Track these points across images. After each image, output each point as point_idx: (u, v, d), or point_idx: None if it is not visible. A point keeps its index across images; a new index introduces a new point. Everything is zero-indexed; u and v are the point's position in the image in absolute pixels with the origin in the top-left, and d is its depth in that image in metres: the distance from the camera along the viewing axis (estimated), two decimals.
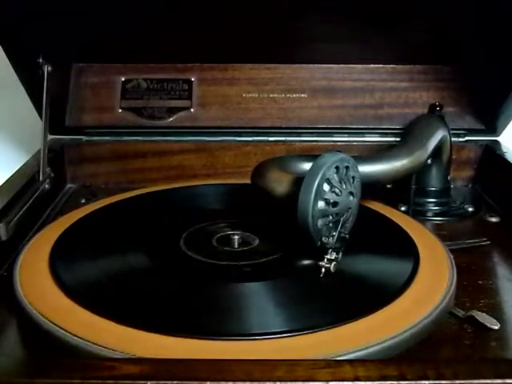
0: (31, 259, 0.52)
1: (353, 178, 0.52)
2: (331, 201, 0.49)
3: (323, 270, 0.48)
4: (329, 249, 0.49)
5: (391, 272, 0.50)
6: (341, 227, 0.50)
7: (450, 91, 0.79)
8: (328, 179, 0.49)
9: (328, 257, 0.49)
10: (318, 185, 0.48)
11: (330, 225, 0.50)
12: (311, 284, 0.48)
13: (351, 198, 0.51)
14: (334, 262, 0.48)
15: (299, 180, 0.49)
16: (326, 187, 0.49)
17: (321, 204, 0.49)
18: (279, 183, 0.54)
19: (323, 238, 0.49)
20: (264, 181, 0.56)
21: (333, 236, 0.49)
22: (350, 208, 0.51)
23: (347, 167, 0.51)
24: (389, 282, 0.48)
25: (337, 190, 0.49)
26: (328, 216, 0.49)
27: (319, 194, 0.48)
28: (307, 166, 0.51)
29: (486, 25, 0.71)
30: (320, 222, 0.49)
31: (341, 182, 0.50)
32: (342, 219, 0.50)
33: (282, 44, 0.76)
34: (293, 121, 0.79)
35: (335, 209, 0.49)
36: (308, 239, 0.49)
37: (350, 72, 0.80)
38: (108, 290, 0.47)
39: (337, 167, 0.49)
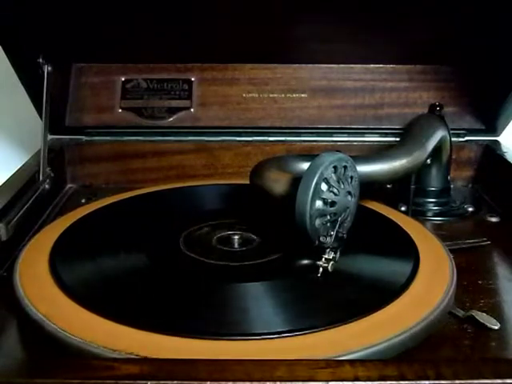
0: (31, 259, 0.52)
1: (351, 177, 0.51)
2: (329, 200, 0.49)
3: (321, 269, 0.48)
4: (327, 248, 0.49)
5: (391, 272, 0.50)
6: (339, 227, 0.50)
7: (450, 91, 0.79)
8: (326, 179, 0.49)
9: (326, 256, 0.49)
10: (316, 184, 0.48)
11: (328, 224, 0.50)
12: (311, 284, 0.48)
13: (349, 197, 0.51)
14: (332, 262, 0.48)
15: (297, 179, 0.49)
16: (323, 187, 0.49)
17: (318, 203, 0.48)
18: (277, 183, 0.54)
19: (321, 238, 0.49)
20: (262, 180, 0.56)
21: (330, 235, 0.49)
22: (348, 208, 0.51)
23: (345, 167, 0.51)
24: (389, 281, 0.48)
25: (335, 190, 0.49)
26: (326, 215, 0.49)
27: (317, 193, 0.48)
28: (305, 165, 0.50)
29: (485, 25, 0.71)
30: (318, 222, 0.49)
31: (339, 182, 0.50)
32: (339, 219, 0.50)
33: (281, 44, 0.76)
34: (293, 121, 0.80)
35: (333, 208, 0.49)
36: (306, 239, 0.49)
37: (349, 72, 0.80)
38: (108, 290, 0.47)
39: (335, 167, 0.49)
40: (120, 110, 0.79)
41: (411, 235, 0.56)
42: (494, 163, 0.74)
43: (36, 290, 0.46)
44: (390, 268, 0.51)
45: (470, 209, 0.69)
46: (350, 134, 0.79)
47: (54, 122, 0.73)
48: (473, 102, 0.79)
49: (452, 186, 0.71)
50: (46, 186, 0.67)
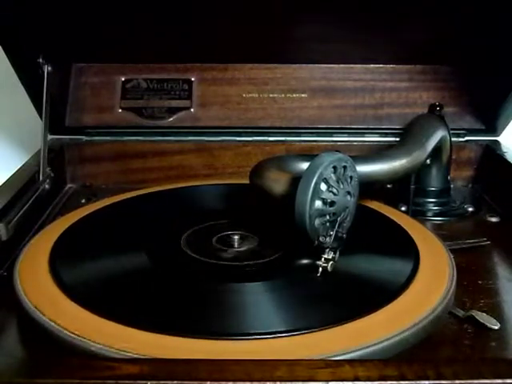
0: (31, 259, 0.52)
1: (350, 177, 0.51)
2: (328, 200, 0.49)
3: (320, 269, 0.48)
4: (326, 248, 0.49)
5: (391, 272, 0.50)
6: (338, 227, 0.50)
7: (450, 91, 0.79)
8: (325, 179, 0.49)
9: (325, 256, 0.49)
10: (315, 184, 0.48)
11: (327, 224, 0.50)
12: (311, 284, 0.48)
13: (348, 197, 0.51)
14: (331, 262, 0.49)
15: (297, 179, 0.49)
16: (323, 187, 0.49)
17: (318, 203, 0.48)
18: (277, 182, 0.54)
19: (320, 238, 0.49)
20: (262, 180, 0.56)
21: (330, 235, 0.49)
22: (347, 207, 0.51)
23: (345, 167, 0.51)
24: (389, 281, 0.48)
25: (334, 190, 0.49)
26: (325, 215, 0.49)
27: (316, 193, 0.48)
28: (305, 165, 0.51)
29: (486, 25, 0.71)
30: (317, 222, 0.49)
31: (338, 182, 0.50)
32: (339, 219, 0.50)
33: (281, 44, 0.76)
34: (293, 121, 0.79)
35: (332, 208, 0.49)
36: (305, 239, 0.49)
37: (349, 72, 0.80)
38: (108, 290, 0.47)
39: (334, 167, 0.49)
40: (120, 110, 0.79)
41: (411, 235, 0.56)
42: (494, 163, 0.74)
43: (36, 290, 0.46)
44: (389, 268, 0.51)
45: (470, 209, 0.69)
46: (350, 134, 0.79)
47: (54, 122, 0.73)
48: (473, 102, 0.79)
49: (452, 186, 0.71)
50: (46, 186, 0.67)
